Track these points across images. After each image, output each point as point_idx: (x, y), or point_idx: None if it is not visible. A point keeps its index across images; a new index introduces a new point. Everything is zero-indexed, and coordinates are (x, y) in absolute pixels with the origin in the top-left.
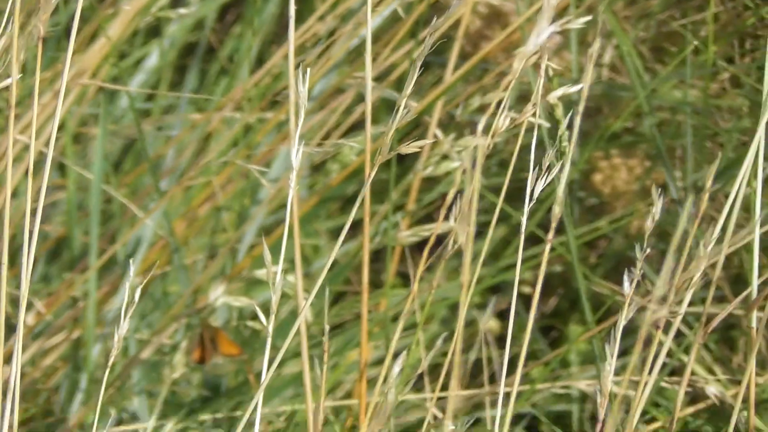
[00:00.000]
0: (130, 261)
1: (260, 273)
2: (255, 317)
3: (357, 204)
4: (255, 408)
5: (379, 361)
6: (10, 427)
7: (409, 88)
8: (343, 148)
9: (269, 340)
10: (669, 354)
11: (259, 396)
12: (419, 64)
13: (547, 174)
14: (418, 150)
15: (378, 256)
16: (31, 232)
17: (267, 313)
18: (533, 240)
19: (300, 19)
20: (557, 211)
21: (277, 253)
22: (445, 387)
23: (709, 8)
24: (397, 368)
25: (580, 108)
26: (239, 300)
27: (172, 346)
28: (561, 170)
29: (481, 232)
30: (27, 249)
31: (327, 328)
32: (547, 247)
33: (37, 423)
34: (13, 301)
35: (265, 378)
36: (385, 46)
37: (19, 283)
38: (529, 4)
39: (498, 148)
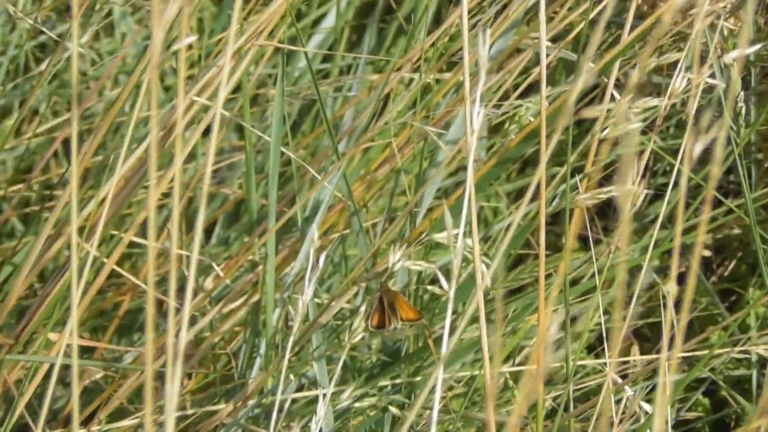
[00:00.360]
0: (313, 225)
1: (439, 236)
2: (434, 281)
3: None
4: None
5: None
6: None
7: (591, 50)
8: (520, 109)
9: (450, 305)
10: None
11: (441, 362)
12: (603, 25)
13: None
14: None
15: (557, 219)
16: (208, 195)
17: (447, 277)
18: (711, 203)
19: None
20: (715, 171)
21: (456, 216)
22: (624, 352)
23: None
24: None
25: (757, 69)
26: (418, 264)
27: (351, 311)
28: (720, 130)
29: (659, 195)
30: (201, 212)
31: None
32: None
33: (216, 388)
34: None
35: (447, 344)
36: (562, 6)
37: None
38: None
39: (675, 108)
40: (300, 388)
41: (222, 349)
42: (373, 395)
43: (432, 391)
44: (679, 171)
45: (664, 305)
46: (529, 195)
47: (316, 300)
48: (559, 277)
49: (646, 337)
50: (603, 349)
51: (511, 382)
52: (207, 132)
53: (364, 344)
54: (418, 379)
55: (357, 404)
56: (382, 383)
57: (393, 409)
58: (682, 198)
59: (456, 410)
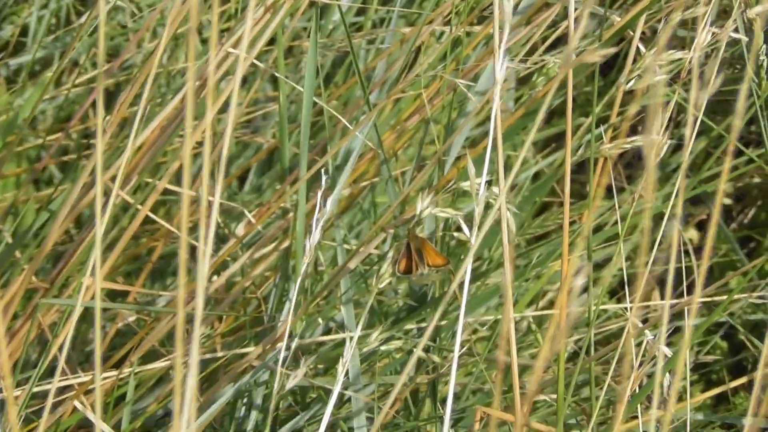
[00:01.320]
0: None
1: (466, 184)
2: (461, 228)
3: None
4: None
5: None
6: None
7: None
8: (548, 62)
9: (472, 252)
10: None
11: (463, 305)
12: None
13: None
14: (622, 64)
15: (582, 168)
16: (243, 144)
17: (472, 225)
18: (733, 153)
19: None
20: (737, 123)
21: (482, 165)
22: (645, 297)
23: None
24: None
25: None
26: (445, 211)
27: (379, 257)
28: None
29: (681, 145)
30: (223, 157)
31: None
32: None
33: (246, 331)
34: (225, 212)
35: (467, 289)
36: None
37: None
38: None
39: (699, 62)
40: (328, 332)
41: (252, 294)
42: (399, 338)
43: (455, 334)
44: (703, 122)
45: (686, 252)
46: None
47: (345, 246)
48: (583, 224)
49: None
50: (625, 294)
51: (534, 326)
52: (245, 83)
53: (391, 289)
54: (443, 323)
55: (383, 347)
56: (408, 327)
57: (418, 352)
58: (687, 148)
59: (480, 353)
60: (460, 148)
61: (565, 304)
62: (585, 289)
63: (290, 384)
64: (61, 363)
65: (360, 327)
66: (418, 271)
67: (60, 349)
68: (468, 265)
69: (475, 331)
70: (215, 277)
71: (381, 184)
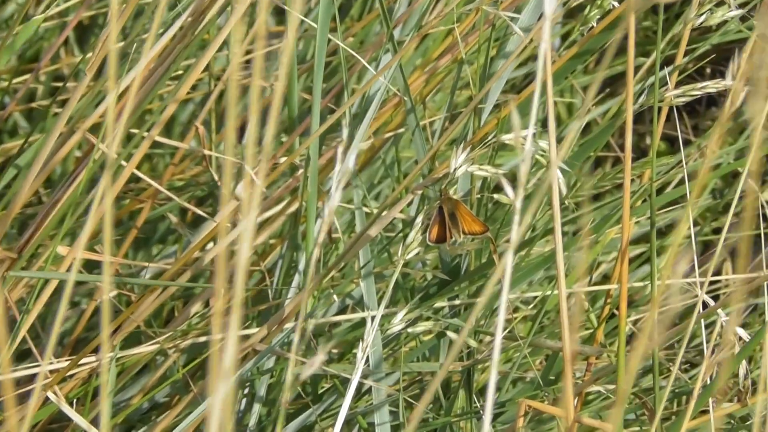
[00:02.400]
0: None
1: (507, 137)
2: (501, 188)
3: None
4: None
5: (643, 239)
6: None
7: None
8: None
9: (518, 216)
10: None
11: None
12: None
13: None
14: None
15: (641, 118)
16: (242, 88)
17: (515, 184)
18: None
19: None
20: None
21: (526, 114)
22: (716, 270)
23: None
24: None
25: None
26: (484, 168)
27: (404, 222)
28: None
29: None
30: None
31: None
32: None
33: (247, 309)
34: (221, 169)
35: (511, 259)
36: None
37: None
38: None
39: None
40: (343, 310)
41: (255, 265)
42: (428, 318)
43: (495, 313)
44: None
45: (763, 216)
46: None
47: (365, 209)
48: (644, 184)
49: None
50: (693, 267)
51: (586, 304)
52: (246, 17)
53: (419, 260)
54: (479, 300)
55: (410, 329)
56: (438, 305)
57: (451, 334)
58: None
59: (523, 336)
60: (500, 94)
61: (625, 277)
62: (647, 261)
63: (305, 374)
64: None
65: (382, 305)
66: (451, 240)
67: (30, 330)
68: (515, 231)
69: (516, 310)
70: (210, 245)
71: (406, 136)
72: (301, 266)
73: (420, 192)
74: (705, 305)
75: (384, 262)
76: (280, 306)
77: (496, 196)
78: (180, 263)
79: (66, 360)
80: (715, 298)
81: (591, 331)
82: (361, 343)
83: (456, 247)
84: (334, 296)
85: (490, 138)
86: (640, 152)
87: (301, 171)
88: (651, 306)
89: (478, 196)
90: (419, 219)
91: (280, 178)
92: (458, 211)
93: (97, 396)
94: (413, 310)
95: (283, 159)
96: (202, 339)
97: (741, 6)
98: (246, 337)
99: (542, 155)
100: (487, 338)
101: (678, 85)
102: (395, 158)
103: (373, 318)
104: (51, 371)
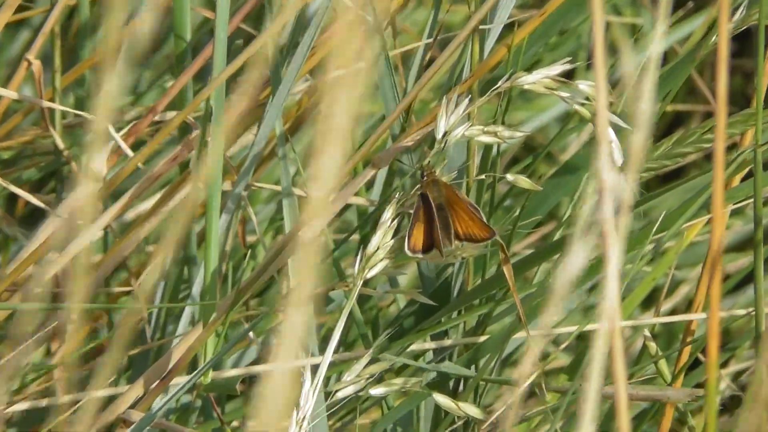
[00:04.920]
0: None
1: (528, 78)
2: (518, 162)
3: None
4: None
5: (745, 243)
6: None
7: None
8: None
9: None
10: None
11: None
12: None
13: None
14: None
15: (746, 47)
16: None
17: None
18: None
19: None
20: None
21: (556, 44)
22: None
23: None
24: None
25: None
26: (491, 130)
27: (363, 214)
28: None
29: None
30: None
31: None
32: None
33: (110, 356)
34: (71, 129)
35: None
36: None
37: None
38: None
39: None
40: (265, 357)
41: (123, 285)
42: (401, 370)
43: (511, 361)
44: None
45: None
46: None
47: (298, 194)
48: (744, 148)
49: None
50: None
51: (654, 346)
52: None
53: (387, 275)
54: (482, 339)
55: (372, 390)
56: (416, 347)
57: (438, 397)
58: None
59: (557, 388)
60: (514, 9)
61: (716, 304)
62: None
63: None
64: None
65: (329, 351)
66: (442, 247)
67: None
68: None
69: (546, 357)
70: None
71: (366, 77)
72: (197, 288)
73: (386, 167)
74: None
75: (331, 281)
76: (164, 350)
77: (510, 176)
78: (5, 283)
79: None
80: None
81: (663, 390)
82: (294, 413)
83: (446, 256)
84: (251, 334)
85: (501, 83)
86: (743, 101)
87: (196, 133)
88: (759, 350)
89: (482, 176)
90: (387, 213)
91: (164, 145)
92: (451, 202)
93: None
94: (377, 356)
95: (169, 115)
96: (43, 402)
97: None
98: (111, 400)
99: (585, 105)
100: (497, 403)
101: None
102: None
103: (313, 370)
104: None
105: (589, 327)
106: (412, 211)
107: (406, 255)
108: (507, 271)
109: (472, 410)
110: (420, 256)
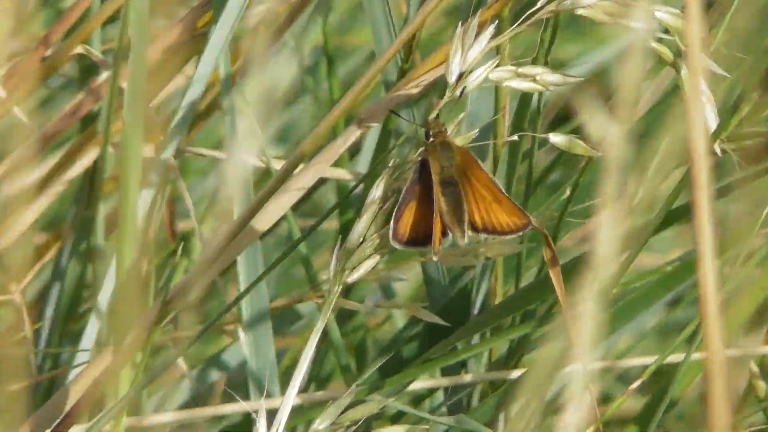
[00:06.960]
0: None
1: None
2: (562, 121)
3: None
4: None
5: None
6: None
7: None
8: None
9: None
10: None
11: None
12: None
13: None
14: None
15: None
16: None
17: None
18: None
19: None
20: None
21: None
22: None
23: None
24: None
25: None
26: (526, 73)
27: (342, 192)
28: None
29: None
30: None
31: None
32: None
33: None
34: None
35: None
36: None
37: None
38: None
39: None
40: (206, 396)
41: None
42: (397, 418)
43: (558, 406)
44: None
45: None
46: None
47: (249, 160)
48: None
49: None
50: None
51: (764, 386)
52: None
53: (378, 281)
54: (516, 374)
55: None
56: (418, 386)
57: None
58: None
59: None
60: None
61: None
62: None
63: None
64: None
65: (293, 388)
66: (441, 240)
67: None
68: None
69: (605, 399)
70: None
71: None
72: (105, 296)
73: (377, 126)
74: None
75: (298, 288)
76: (57, 385)
77: (556, 137)
78: None
79: None
80: None
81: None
82: None
83: (458, 254)
84: (181, 364)
85: (542, 2)
86: None
87: (106, 75)
88: None
89: (515, 138)
90: (378, 189)
91: (59, 91)
92: (466, 175)
93: None
94: (364, 397)
95: (67, 47)
96: None
97: None
98: None
99: (663, 41)
100: None
101: None
102: (325, 47)
103: (270, 417)
104: None
105: (671, 358)
106: (407, 184)
107: (405, 251)
108: (554, 276)
109: None
110: (410, 248)
